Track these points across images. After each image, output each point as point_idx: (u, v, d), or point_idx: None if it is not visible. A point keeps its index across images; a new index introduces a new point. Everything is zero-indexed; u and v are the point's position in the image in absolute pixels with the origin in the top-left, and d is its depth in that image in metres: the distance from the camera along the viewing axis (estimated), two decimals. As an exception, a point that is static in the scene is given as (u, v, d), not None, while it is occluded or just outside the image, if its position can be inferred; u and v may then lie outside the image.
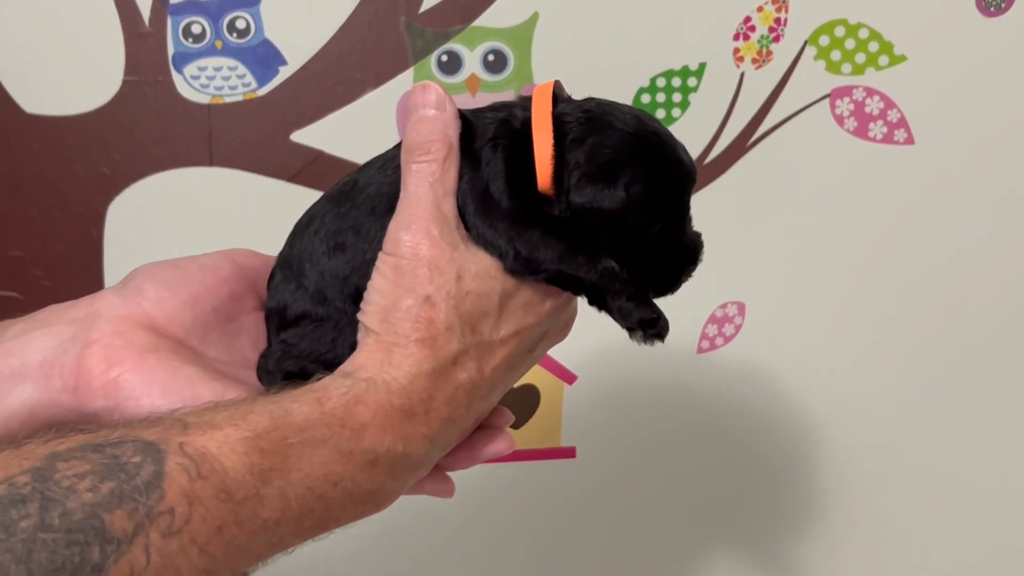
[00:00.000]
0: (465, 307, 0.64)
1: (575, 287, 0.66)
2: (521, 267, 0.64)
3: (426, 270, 0.63)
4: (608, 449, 1.32)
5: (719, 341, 1.29)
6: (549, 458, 1.31)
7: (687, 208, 0.67)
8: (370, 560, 1.32)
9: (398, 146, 0.68)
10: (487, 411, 0.69)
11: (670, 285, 0.68)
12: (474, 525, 1.33)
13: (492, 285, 0.65)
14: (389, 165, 0.68)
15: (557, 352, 1.26)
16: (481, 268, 0.65)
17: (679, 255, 0.67)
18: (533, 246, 0.64)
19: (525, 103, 0.67)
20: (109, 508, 0.49)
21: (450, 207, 0.65)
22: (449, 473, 0.72)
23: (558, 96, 0.68)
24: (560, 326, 0.71)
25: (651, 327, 0.65)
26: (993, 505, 1.41)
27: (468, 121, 0.67)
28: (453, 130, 0.66)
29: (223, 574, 0.55)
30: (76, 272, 1.16)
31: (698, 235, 0.69)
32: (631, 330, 0.66)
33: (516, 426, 1.28)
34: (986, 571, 1.45)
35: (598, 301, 0.68)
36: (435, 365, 0.63)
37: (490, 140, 0.66)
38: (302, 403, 0.60)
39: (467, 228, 0.65)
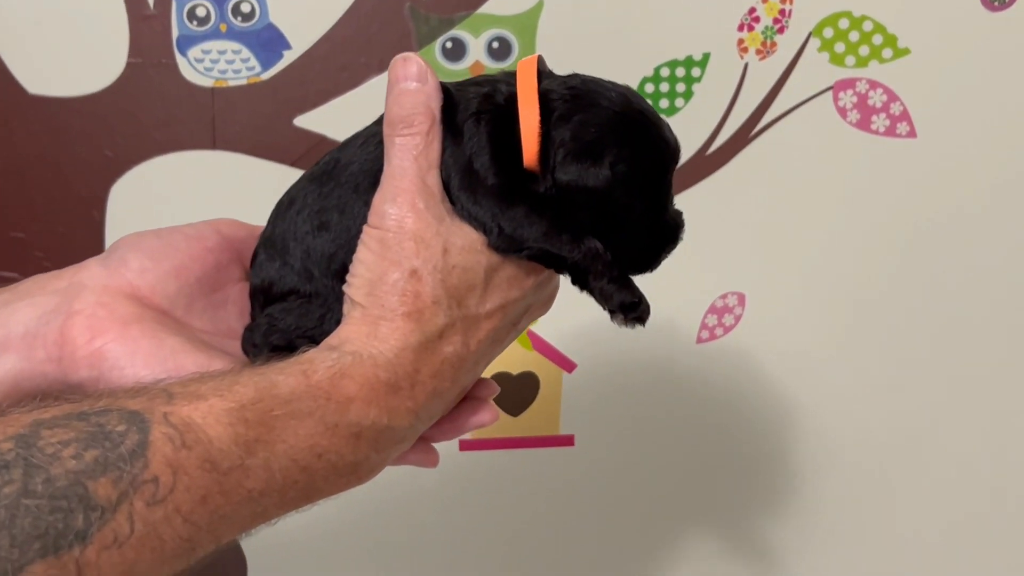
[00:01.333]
0: (451, 281, 0.64)
1: (558, 265, 0.66)
2: (505, 244, 0.64)
3: (412, 243, 0.63)
4: (607, 437, 1.32)
5: (719, 331, 1.29)
6: (548, 446, 1.31)
7: (670, 186, 0.68)
8: (366, 546, 1.32)
9: (379, 121, 0.67)
10: (471, 384, 0.69)
11: (649, 263, 0.68)
12: (473, 512, 1.34)
13: (478, 259, 0.65)
14: (371, 142, 0.68)
15: (556, 340, 1.26)
16: (467, 242, 0.64)
17: (660, 233, 0.67)
18: (517, 223, 0.64)
19: (509, 78, 0.67)
20: (93, 476, 0.50)
21: (435, 180, 0.64)
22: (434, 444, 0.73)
23: (541, 71, 0.68)
24: (543, 300, 0.71)
25: (631, 311, 0.65)
26: (1007, 497, 1.42)
27: (450, 94, 0.66)
28: (435, 102, 0.65)
29: (206, 543, 0.55)
30: (77, 254, 1.14)
31: (679, 213, 0.69)
32: (612, 312, 0.66)
33: (515, 414, 1.28)
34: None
35: (580, 281, 0.67)
36: (421, 339, 0.63)
37: (473, 114, 0.65)
38: (288, 375, 0.60)
39: (451, 202, 0.65)
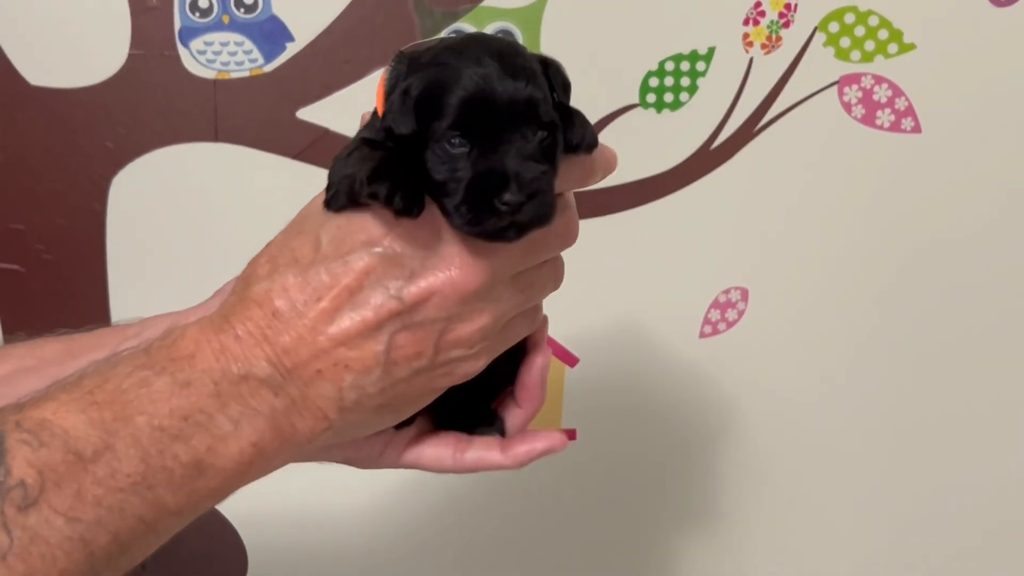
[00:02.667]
0: (281, 237, 0.68)
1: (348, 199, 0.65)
2: (326, 194, 0.66)
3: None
4: (609, 432, 1.32)
5: (722, 326, 1.29)
6: (549, 440, 1.31)
7: (506, 135, 0.63)
8: (365, 543, 1.32)
9: None
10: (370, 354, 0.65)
11: (489, 212, 0.63)
12: (474, 506, 1.34)
13: (313, 208, 0.68)
14: None
15: (559, 335, 1.26)
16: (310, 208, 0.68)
17: (493, 180, 0.62)
18: (332, 169, 0.66)
19: None
20: None
21: None
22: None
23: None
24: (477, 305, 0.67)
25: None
26: (1007, 497, 1.42)
27: None
28: None
29: (103, 542, 0.55)
30: (78, 246, 1.16)
31: (533, 167, 0.63)
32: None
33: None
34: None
35: None
36: (244, 289, 0.65)
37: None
38: (129, 354, 0.61)
39: None
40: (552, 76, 0.67)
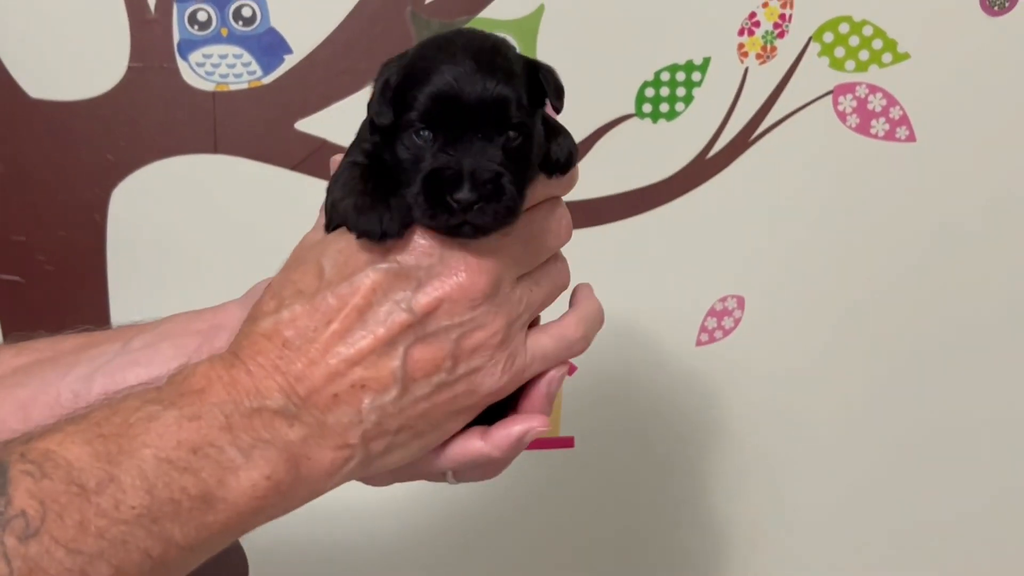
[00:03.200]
0: (283, 271, 0.68)
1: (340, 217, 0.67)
2: (325, 218, 0.68)
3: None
4: (606, 439, 1.33)
5: (718, 334, 1.29)
6: (548, 447, 1.31)
7: (469, 133, 0.64)
8: (366, 547, 1.33)
9: None
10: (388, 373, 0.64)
11: (441, 208, 0.63)
12: (471, 514, 1.34)
13: (310, 239, 0.68)
14: None
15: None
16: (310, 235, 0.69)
17: (447, 177, 0.63)
18: (329, 194, 0.68)
19: None
20: None
21: None
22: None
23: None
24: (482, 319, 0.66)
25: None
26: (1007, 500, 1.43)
27: None
28: None
29: (111, 574, 0.54)
30: (79, 257, 1.17)
31: (489, 167, 0.64)
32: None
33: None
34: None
35: None
36: (252, 325, 0.64)
37: None
38: (142, 390, 0.61)
39: None
40: (544, 80, 0.68)
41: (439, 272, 0.65)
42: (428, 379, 0.64)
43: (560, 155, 0.69)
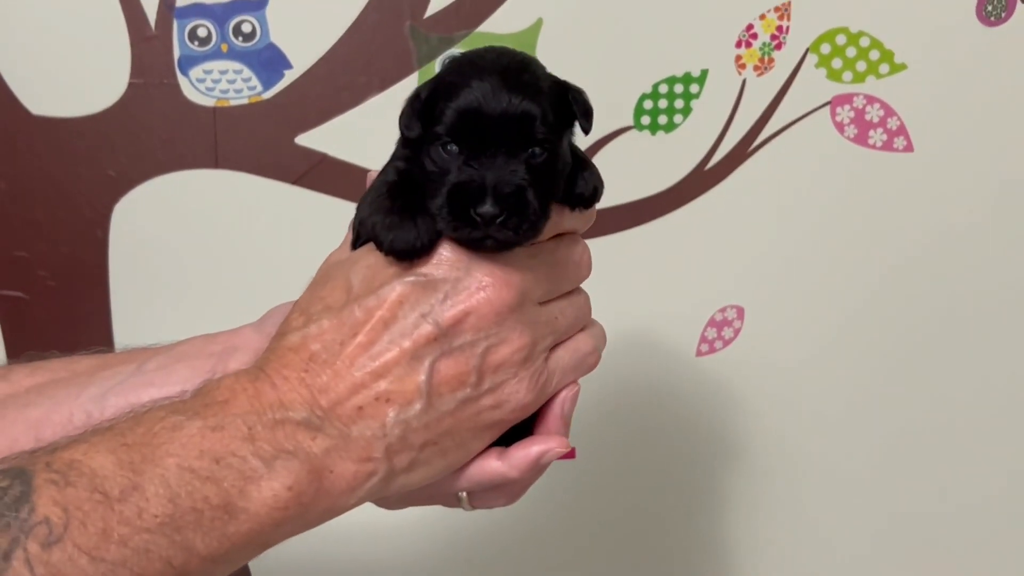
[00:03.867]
0: (311, 287, 0.69)
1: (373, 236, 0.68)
2: (353, 236, 0.70)
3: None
4: (608, 450, 1.33)
5: (718, 345, 1.30)
6: (549, 459, 1.31)
7: (494, 148, 0.65)
8: (365, 558, 1.33)
9: None
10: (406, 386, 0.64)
11: (464, 221, 0.64)
12: (473, 523, 1.34)
13: (337, 258, 0.70)
14: None
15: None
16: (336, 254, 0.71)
17: (471, 190, 0.64)
18: (359, 211, 0.70)
19: None
20: None
21: None
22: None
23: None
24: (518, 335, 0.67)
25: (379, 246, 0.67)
26: (1006, 505, 1.43)
27: None
28: None
29: None
30: (81, 273, 1.17)
31: (512, 182, 0.65)
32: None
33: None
34: None
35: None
36: (280, 340, 0.65)
37: None
38: (168, 403, 0.61)
39: None
40: (574, 100, 0.69)
41: (466, 285, 0.65)
42: (453, 394, 0.65)
43: (585, 190, 0.70)
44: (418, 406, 0.63)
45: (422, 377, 0.63)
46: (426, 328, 0.64)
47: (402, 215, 0.65)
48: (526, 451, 0.69)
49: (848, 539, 1.42)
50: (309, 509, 0.61)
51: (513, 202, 0.64)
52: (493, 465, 0.70)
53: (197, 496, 0.56)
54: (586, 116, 0.70)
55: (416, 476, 0.66)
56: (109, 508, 0.53)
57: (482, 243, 0.65)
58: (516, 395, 0.67)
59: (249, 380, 0.62)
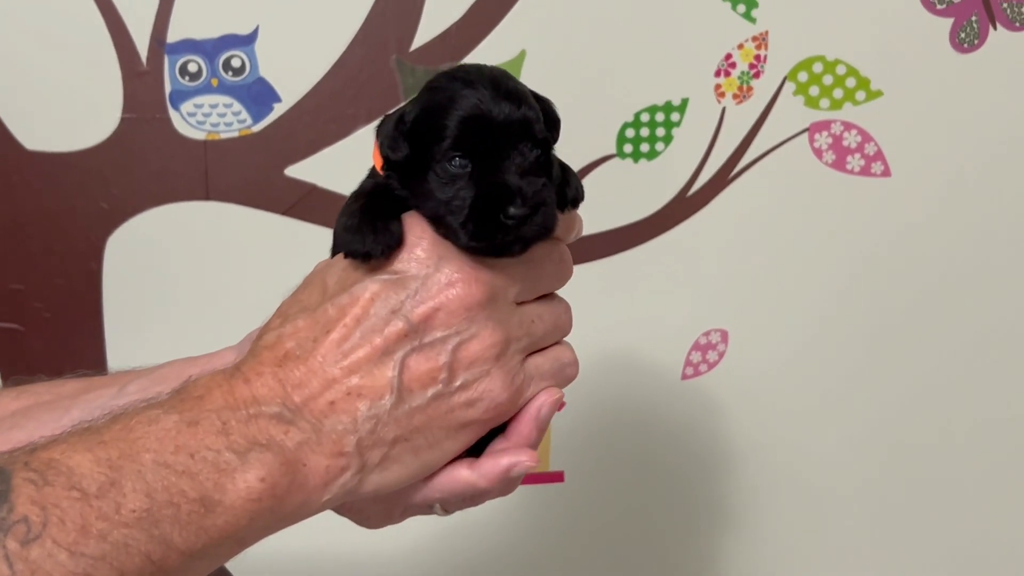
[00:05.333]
0: (292, 293, 0.69)
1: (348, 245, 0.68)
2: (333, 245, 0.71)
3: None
4: (596, 472, 1.34)
5: (703, 368, 1.31)
6: (538, 482, 1.33)
7: (504, 153, 0.66)
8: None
9: None
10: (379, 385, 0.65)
11: (495, 228, 0.65)
12: (463, 548, 1.35)
13: (315, 268, 0.70)
14: None
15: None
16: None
17: (498, 196, 0.64)
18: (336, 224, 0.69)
19: None
20: None
21: None
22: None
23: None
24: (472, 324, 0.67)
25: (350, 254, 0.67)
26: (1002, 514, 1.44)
27: None
28: None
29: None
30: (76, 304, 1.18)
31: (534, 182, 0.66)
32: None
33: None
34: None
35: None
36: (259, 342, 0.66)
37: None
38: (146, 402, 0.62)
39: None
40: (546, 111, 0.70)
41: (436, 281, 0.65)
42: (424, 390, 0.65)
43: (571, 192, 0.71)
44: (389, 401, 0.64)
45: (393, 372, 0.64)
46: (397, 324, 0.64)
47: (362, 221, 0.66)
48: (496, 462, 0.69)
49: (833, 554, 1.43)
50: (283, 502, 0.61)
51: (539, 201, 0.65)
52: (463, 474, 0.69)
53: (174, 490, 0.57)
54: (555, 127, 0.71)
55: (390, 475, 0.66)
56: (87, 504, 0.54)
57: (511, 248, 0.66)
58: (490, 393, 0.67)
59: (225, 378, 0.63)
